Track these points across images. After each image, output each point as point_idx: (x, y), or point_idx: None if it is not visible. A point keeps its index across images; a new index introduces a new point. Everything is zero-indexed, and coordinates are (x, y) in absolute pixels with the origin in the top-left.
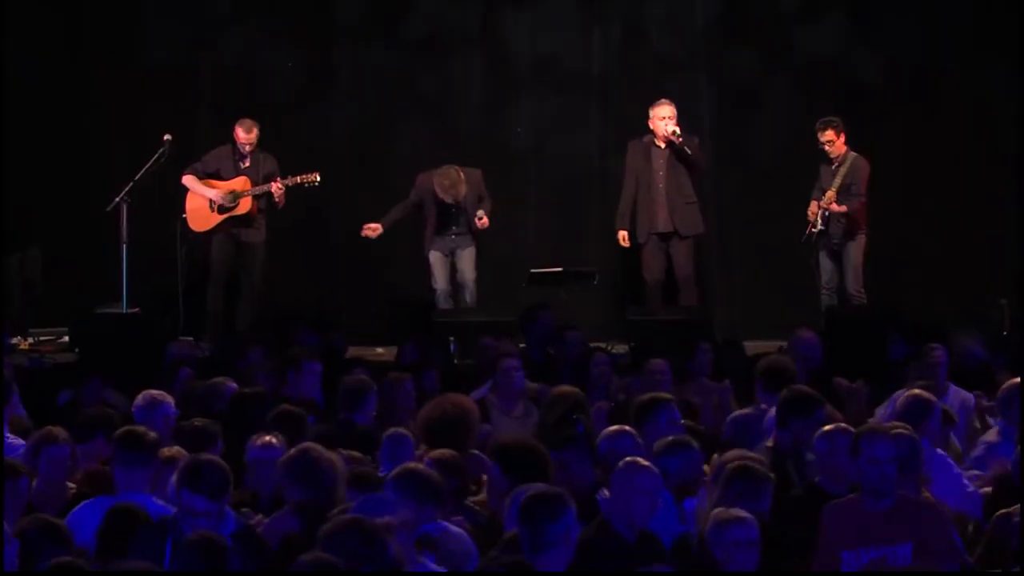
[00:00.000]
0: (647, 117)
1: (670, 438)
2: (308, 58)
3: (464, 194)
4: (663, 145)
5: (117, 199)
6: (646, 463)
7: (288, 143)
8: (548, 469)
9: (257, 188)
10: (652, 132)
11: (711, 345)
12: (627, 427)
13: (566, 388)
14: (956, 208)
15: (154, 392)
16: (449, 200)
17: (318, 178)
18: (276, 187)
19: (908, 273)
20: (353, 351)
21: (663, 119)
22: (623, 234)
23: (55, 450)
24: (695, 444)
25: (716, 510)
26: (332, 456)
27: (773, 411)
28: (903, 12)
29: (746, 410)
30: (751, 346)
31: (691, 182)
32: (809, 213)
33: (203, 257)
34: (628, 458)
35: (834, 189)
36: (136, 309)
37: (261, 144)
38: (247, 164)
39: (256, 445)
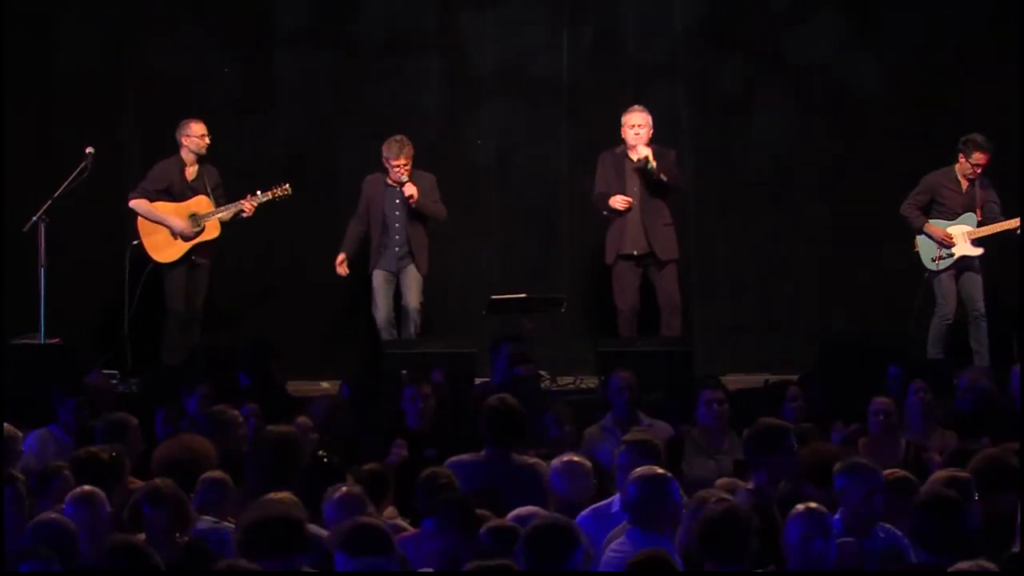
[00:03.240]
0: (619, 125)
1: None
2: (245, 63)
3: (408, 159)
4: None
5: (34, 218)
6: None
7: (223, 157)
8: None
9: (224, 209)
10: (625, 143)
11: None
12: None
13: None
14: None
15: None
16: (397, 163)
17: (290, 189)
18: (248, 205)
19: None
20: (295, 386)
21: (633, 127)
22: None
23: None
24: None
25: None
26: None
27: None
28: (904, 10)
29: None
30: (732, 380)
31: (667, 204)
32: (945, 239)
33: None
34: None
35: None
36: (56, 339)
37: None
38: (193, 177)
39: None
